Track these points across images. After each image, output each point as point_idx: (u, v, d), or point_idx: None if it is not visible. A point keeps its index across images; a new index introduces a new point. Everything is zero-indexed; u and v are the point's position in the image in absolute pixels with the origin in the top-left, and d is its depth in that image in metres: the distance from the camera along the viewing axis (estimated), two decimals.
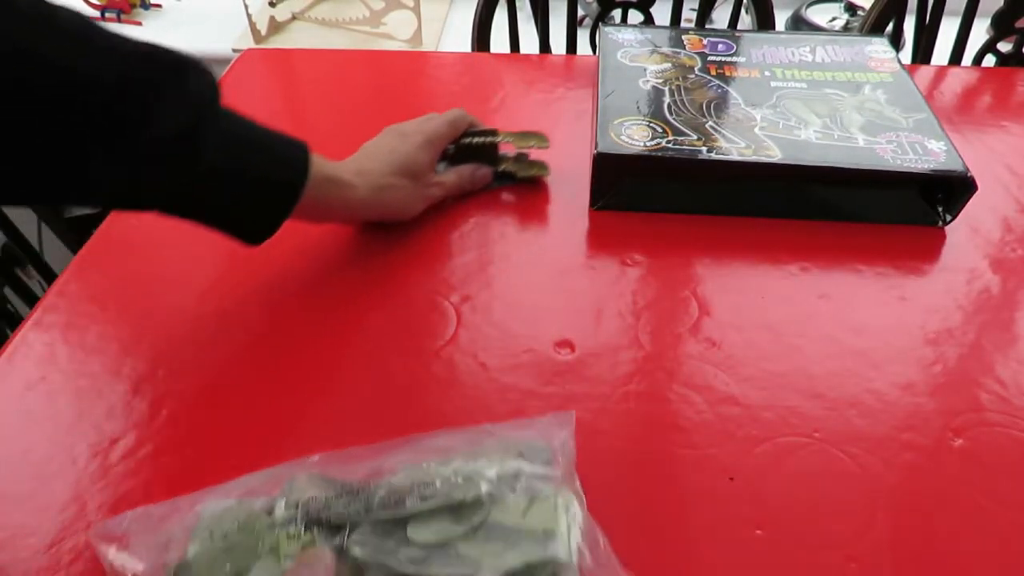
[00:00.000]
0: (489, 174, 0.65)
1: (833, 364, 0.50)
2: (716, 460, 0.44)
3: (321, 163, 0.51)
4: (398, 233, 0.60)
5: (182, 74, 0.41)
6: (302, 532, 0.35)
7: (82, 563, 0.39)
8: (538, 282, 0.57)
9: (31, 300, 0.87)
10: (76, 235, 0.93)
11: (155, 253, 0.60)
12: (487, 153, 0.66)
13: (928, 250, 0.60)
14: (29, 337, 0.52)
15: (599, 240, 0.61)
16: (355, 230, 0.61)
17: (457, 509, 0.35)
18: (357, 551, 0.34)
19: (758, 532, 0.41)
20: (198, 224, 0.47)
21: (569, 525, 0.35)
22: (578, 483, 0.39)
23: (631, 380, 0.49)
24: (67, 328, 0.53)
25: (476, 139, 0.65)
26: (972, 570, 0.40)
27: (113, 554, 0.36)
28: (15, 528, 0.41)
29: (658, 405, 0.48)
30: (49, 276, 0.93)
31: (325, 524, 0.35)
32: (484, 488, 0.36)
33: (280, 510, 0.36)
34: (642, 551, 0.40)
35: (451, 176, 0.62)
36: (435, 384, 0.49)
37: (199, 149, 0.42)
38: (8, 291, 0.85)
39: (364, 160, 0.57)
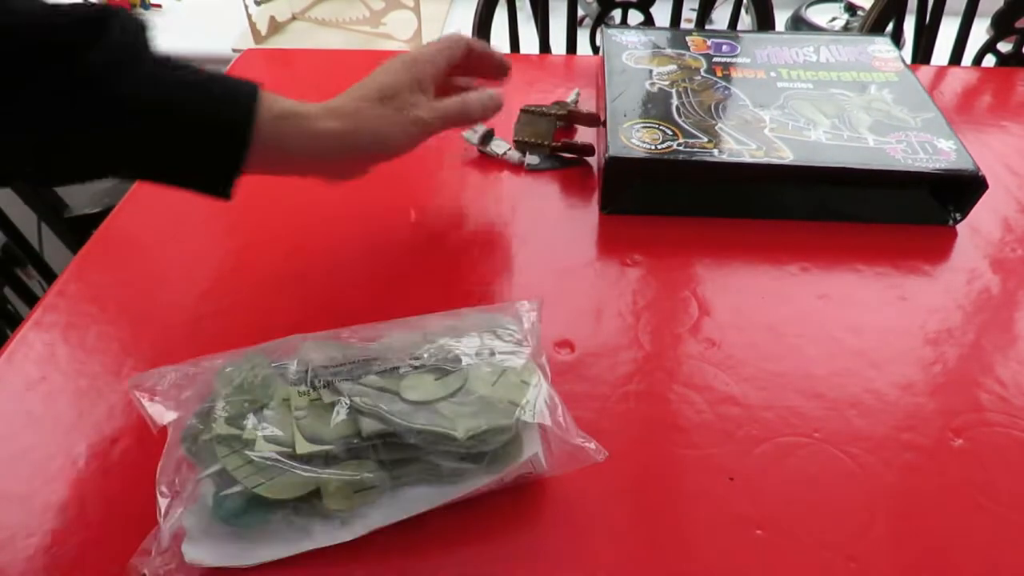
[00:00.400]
0: (500, 103, 0.56)
1: (833, 364, 0.50)
2: (716, 460, 0.44)
3: (277, 99, 0.46)
4: (402, 233, 0.60)
5: (101, 21, 0.40)
6: (311, 391, 0.40)
7: (82, 563, 0.39)
8: (538, 282, 0.57)
9: (31, 300, 0.87)
10: (76, 235, 0.93)
11: (155, 253, 0.60)
12: (545, 128, 0.69)
13: (933, 250, 0.60)
14: (29, 337, 0.52)
15: (600, 240, 0.61)
16: (357, 227, 0.61)
17: (441, 376, 0.41)
18: (358, 400, 0.39)
19: (758, 532, 0.41)
20: (154, 180, 0.45)
21: (533, 395, 0.41)
22: (544, 359, 0.44)
23: (631, 380, 0.49)
24: (67, 328, 0.53)
25: (540, 109, 0.70)
26: (972, 570, 0.40)
27: (148, 403, 0.41)
28: (15, 528, 0.41)
29: (658, 405, 0.48)
30: (49, 276, 0.93)
31: (330, 382, 0.41)
32: (464, 361, 0.42)
33: (292, 370, 0.42)
34: (642, 551, 0.40)
35: (453, 103, 0.53)
36: None
37: (121, 86, 0.40)
38: (8, 291, 0.85)
39: (334, 99, 0.51)
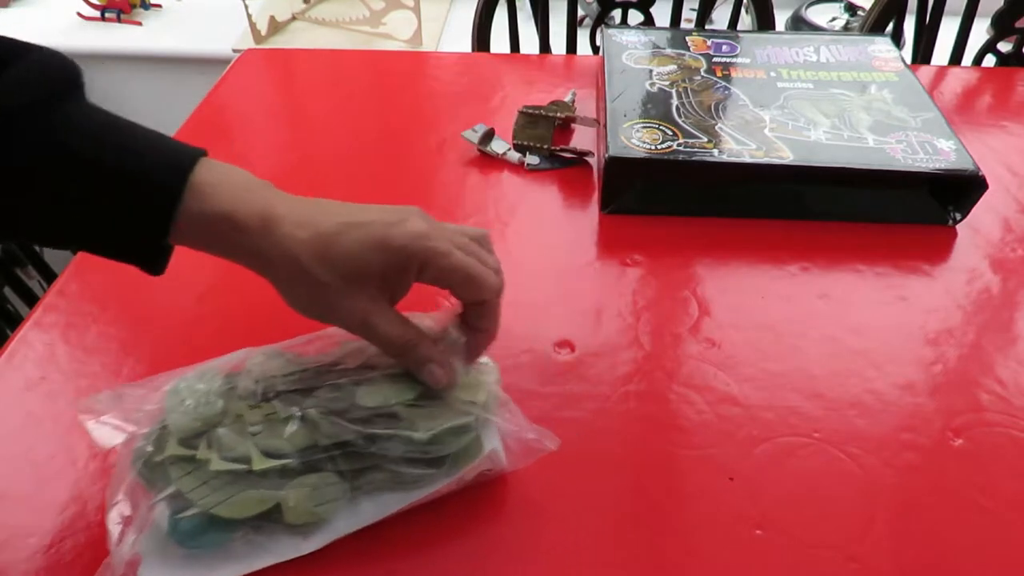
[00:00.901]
0: (454, 381, 0.42)
1: (833, 364, 0.50)
2: (716, 460, 0.44)
3: (234, 180, 0.38)
4: None
5: (23, 55, 0.35)
6: (264, 404, 0.39)
7: (82, 563, 0.39)
8: (538, 282, 0.57)
9: (31, 300, 0.87)
10: None
11: None
12: (543, 129, 0.70)
13: (933, 250, 0.60)
14: (29, 337, 0.52)
15: (599, 240, 0.61)
16: None
17: (397, 381, 0.40)
18: (313, 413, 0.38)
19: (758, 532, 0.41)
20: (70, 242, 0.38)
21: (488, 395, 0.41)
22: (492, 362, 0.44)
23: (631, 380, 0.49)
24: (67, 328, 0.53)
25: (538, 110, 0.71)
26: (972, 570, 0.40)
27: (94, 426, 0.39)
28: (15, 528, 0.41)
29: (658, 405, 0.48)
30: (49, 276, 0.93)
31: (284, 394, 0.39)
32: None
33: (243, 385, 0.40)
34: (642, 551, 0.40)
35: (410, 338, 0.39)
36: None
37: (11, 131, 0.34)
38: (8, 291, 0.85)
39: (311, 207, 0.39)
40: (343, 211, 0.39)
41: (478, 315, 0.41)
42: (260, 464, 0.37)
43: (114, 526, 0.36)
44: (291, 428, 0.38)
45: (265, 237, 0.37)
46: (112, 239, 0.38)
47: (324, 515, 0.38)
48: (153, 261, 0.39)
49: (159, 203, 0.36)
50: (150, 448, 0.38)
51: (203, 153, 0.38)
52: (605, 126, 0.64)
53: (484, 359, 0.44)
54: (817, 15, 1.47)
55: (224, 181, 0.37)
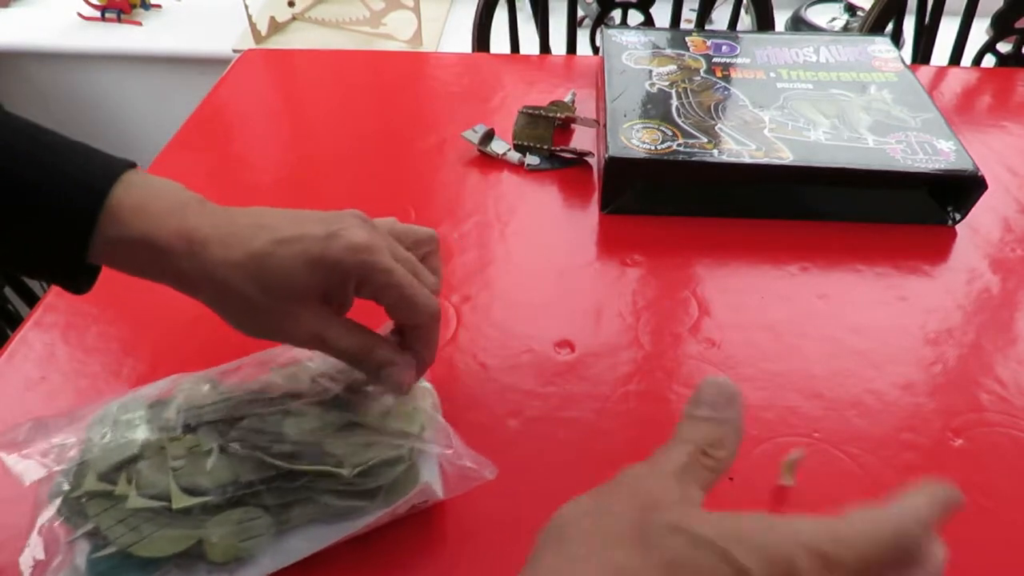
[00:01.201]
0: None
1: (833, 364, 0.50)
2: None
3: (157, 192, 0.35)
4: None
5: None
6: (186, 436, 0.38)
7: None
8: (538, 282, 0.57)
9: (31, 300, 0.87)
10: None
11: None
12: (544, 129, 0.70)
13: (933, 250, 0.60)
14: (29, 337, 0.52)
15: (599, 240, 0.61)
16: None
17: (328, 410, 0.38)
18: (236, 447, 0.37)
19: None
20: None
21: (425, 421, 0.39)
22: (429, 385, 0.43)
23: (631, 380, 0.49)
24: (67, 328, 0.53)
25: (538, 110, 0.71)
26: (972, 570, 0.40)
27: (13, 461, 0.37)
28: (15, 528, 0.41)
29: (658, 405, 0.48)
30: None
31: (207, 424, 0.38)
32: (340, 389, 0.39)
33: (167, 414, 0.38)
34: None
35: (353, 345, 0.37)
36: (435, 385, 0.49)
37: None
38: (8, 291, 0.85)
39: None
40: (275, 224, 0.36)
41: (413, 338, 0.39)
42: (179, 502, 0.35)
43: (26, 568, 0.35)
44: (212, 461, 0.37)
45: (190, 259, 0.34)
46: (24, 260, 0.35)
47: (249, 551, 0.36)
48: (73, 282, 0.36)
49: (73, 228, 0.33)
50: (67, 485, 0.36)
51: (125, 168, 0.35)
52: (605, 126, 0.64)
53: (422, 382, 0.42)
54: (817, 15, 1.47)
55: (145, 202, 0.34)
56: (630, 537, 0.24)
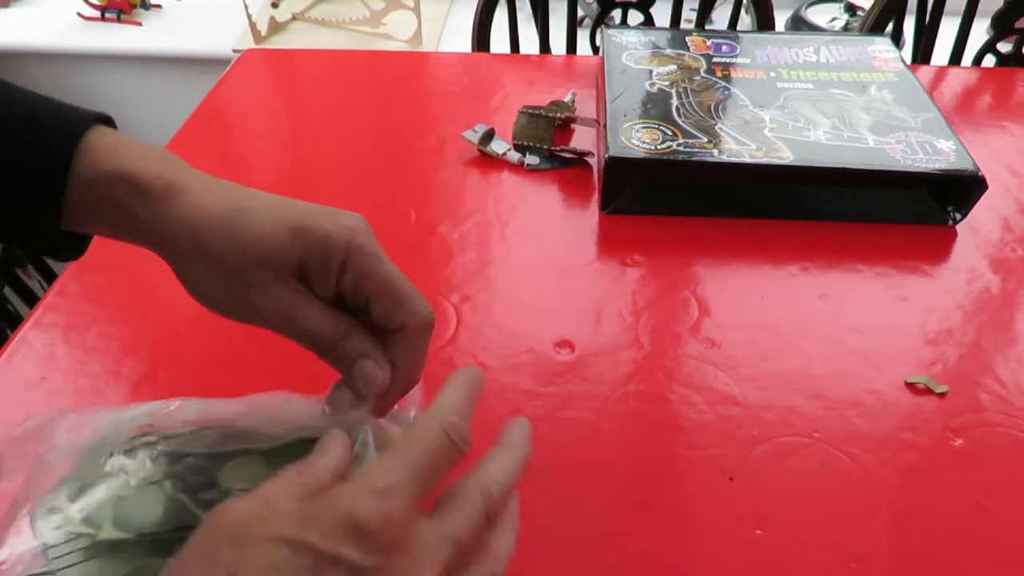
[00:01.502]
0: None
1: (833, 364, 0.50)
2: (716, 460, 0.44)
3: (129, 149, 0.33)
4: (402, 233, 0.60)
5: None
6: (147, 462, 0.35)
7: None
8: (538, 282, 0.57)
9: (31, 300, 0.87)
10: None
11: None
12: (544, 129, 0.70)
13: (933, 250, 0.60)
14: (29, 337, 0.52)
15: (599, 240, 0.61)
16: None
17: (274, 459, 0.35)
18: (167, 485, 0.34)
19: (758, 532, 0.41)
20: None
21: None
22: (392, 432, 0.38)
23: (631, 380, 0.49)
24: (67, 328, 0.53)
25: (538, 110, 0.71)
26: (972, 570, 0.40)
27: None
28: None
29: (658, 405, 0.48)
30: (49, 276, 0.93)
31: (165, 455, 0.35)
32: (295, 435, 0.35)
33: (145, 438, 0.36)
34: (642, 551, 0.40)
35: (320, 319, 0.34)
36: (435, 384, 0.49)
37: None
38: (8, 291, 0.85)
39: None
40: (268, 195, 0.34)
41: (397, 349, 0.34)
42: (106, 533, 0.33)
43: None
44: (150, 496, 0.34)
45: (165, 204, 0.32)
46: (1, 217, 0.33)
47: None
48: (53, 240, 0.34)
49: (47, 168, 0.31)
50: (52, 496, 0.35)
51: (101, 117, 0.33)
52: (605, 126, 0.64)
53: (409, 411, 0.37)
54: (817, 15, 1.47)
55: (122, 144, 0.33)
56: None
